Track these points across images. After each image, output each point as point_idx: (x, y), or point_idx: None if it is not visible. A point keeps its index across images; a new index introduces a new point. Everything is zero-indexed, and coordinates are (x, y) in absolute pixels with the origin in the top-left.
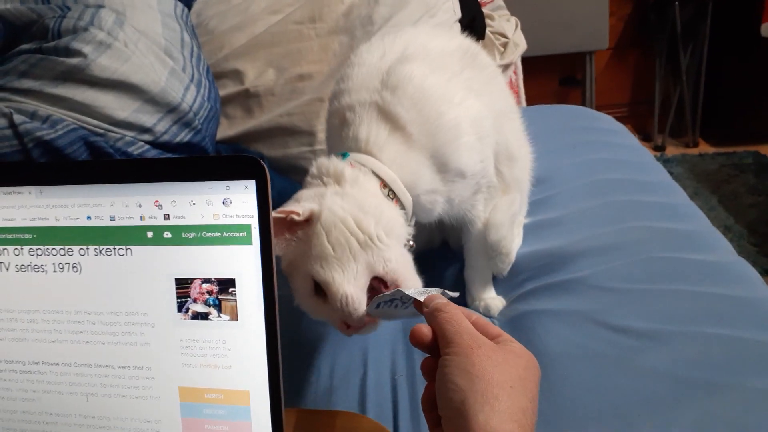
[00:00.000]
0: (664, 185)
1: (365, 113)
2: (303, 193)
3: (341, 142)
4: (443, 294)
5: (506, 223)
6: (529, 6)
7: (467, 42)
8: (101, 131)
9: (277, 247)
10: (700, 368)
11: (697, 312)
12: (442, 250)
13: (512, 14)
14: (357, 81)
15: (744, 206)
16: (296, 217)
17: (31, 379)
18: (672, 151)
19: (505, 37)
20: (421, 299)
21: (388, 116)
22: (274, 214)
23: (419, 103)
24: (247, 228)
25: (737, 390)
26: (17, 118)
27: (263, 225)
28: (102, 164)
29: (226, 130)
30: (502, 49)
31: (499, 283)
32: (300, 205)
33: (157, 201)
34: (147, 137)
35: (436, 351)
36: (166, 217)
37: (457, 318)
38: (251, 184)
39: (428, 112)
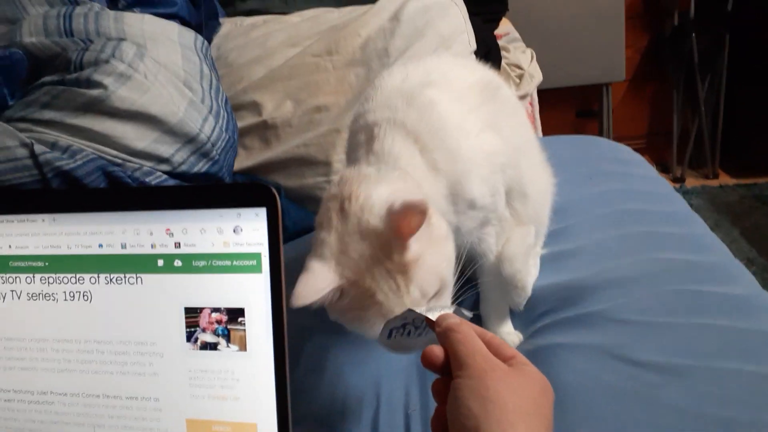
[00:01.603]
0: (683, 216)
1: (396, 131)
2: (401, 186)
3: (372, 157)
4: (457, 312)
5: (520, 256)
6: (546, 39)
7: (489, 75)
8: (119, 161)
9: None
10: (724, 405)
11: (720, 346)
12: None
13: (528, 47)
14: (380, 101)
15: (766, 238)
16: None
17: (39, 409)
18: (691, 182)
19: (520, 68)
20: (434, 318)
21: (416, 138)
22: (413, 199)
23: (440, 131)
24: (257, 256)
25: (763, 428)
26: (38, 148)
27: (273, 253)
28: (115, 192)
29: (243, 160)
30: (518, 81)
31: (515, 317)
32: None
33: (168, 229)
34: (165, 167)
35: (448, 372)
36: (177, 245)
37: (471, 338)
38: (262, 212)
39: (448, 142)
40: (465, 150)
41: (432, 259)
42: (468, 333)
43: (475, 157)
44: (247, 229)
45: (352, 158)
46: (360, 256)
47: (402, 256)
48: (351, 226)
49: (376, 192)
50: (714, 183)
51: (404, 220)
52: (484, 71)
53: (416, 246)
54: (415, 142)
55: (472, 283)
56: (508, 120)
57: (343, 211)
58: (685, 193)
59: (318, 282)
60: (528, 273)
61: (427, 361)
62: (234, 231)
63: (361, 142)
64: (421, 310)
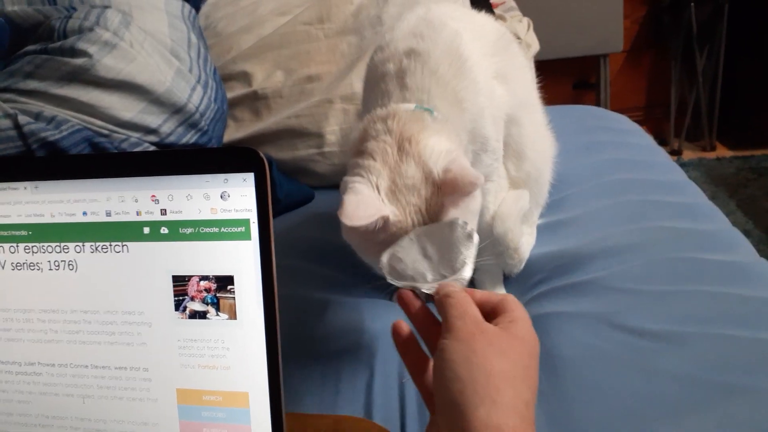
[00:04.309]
0: (681, 185)
1: (425, 64)
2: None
3: (407, 92)
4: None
5: (513, 215)
6: (542, 9)
7: (502, 28)
8: (106, 132)
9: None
10: (721, 371)
11: (717, 313)
12: None
13: (524, 16)
14: (405, 30)
15: (763, 210)
16: None
17: (27, 380)
18: (689, 155)
19: (517, 37)
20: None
21: (444, 69)
22: (471, 172)
23: (465, 62)
24: (245, 223)
25: (760, 393)
26: (22, 119)
27: (262, 219)
28: (97, 158)
29: (234, 132)
30: None
31: (511, 284)
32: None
33: (153, 195)
34: (152, 138)
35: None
36: (163, 212)
37: (463, 302)
38: (250, 177)
39: (471, 75)
40: (482, 85)
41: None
42: (462, 297)
43: (488, 96)
44: (235, 195)
45: (380, 89)
46: (407, 202)
47: (439, 215)
48: (408, 168)
49: (437, 143)
50: (711, 155)
51: (457, 184)
52: (498, 24)
53: (453, 211)
54: (444, 73)
55: None
56: (516, 74)
57: (402, 151)
58: (682, 166)
59: (370, 207)
60: (520, 234)
61: (402, 302)
62: (221, 197)
63: (391, 73)
64: (426, 287)
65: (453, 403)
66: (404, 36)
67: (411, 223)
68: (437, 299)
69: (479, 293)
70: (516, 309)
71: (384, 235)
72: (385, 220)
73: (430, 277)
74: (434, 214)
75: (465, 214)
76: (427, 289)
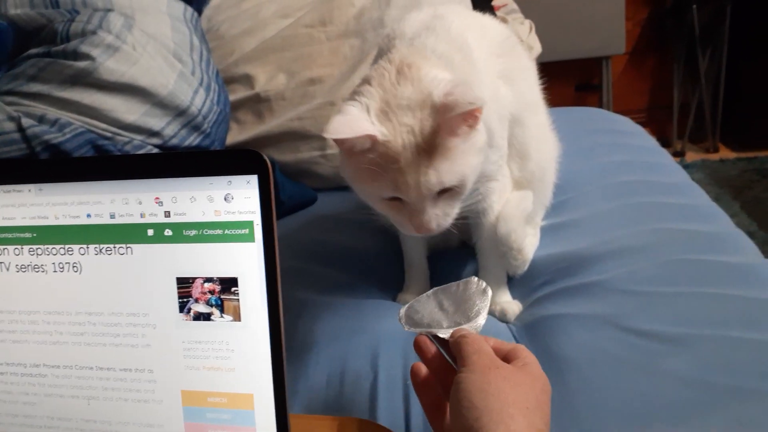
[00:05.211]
0: (684, 186)
1: (436, 36)
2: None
3: (414, 49)
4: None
5: (516, 215)
6: (544, 11)
7: (508, 31)
8: (109, 135)
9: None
10: (728, 373)
11: (724, 315)
12: (459, 251)
13: (526, 18)
14: (414, 22)
15: (767, 212)
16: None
17: (33, 382)
18: (692, 156)
19: (519, 39)
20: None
21: (454, 49)
22: (475, 95)
23: (471, 54)
24: (249, 225)
25: (766, 395)
26: (25, 121)
27: (266, 221)
28: (101, 160)
29: (236, 135)
30: None
31: (515, 286)
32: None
33: (157, 198)
34: (155, 141)
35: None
36: (167, 214)
37: (478, 341)
38: (253, 179)
39: (477, 67)
40: (486, 80)
41: (460, 158)
42: (476, 336)
43: (493, 93)
44: (239, 197)
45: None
46: (400, 122)
47: (437, 138)
48: (404, 90)
49: (439, 72)
50: (714, 157)
51: (457, 104)
52: (503, 26)
53: (454, 139)
54: (454, 52)
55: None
56: (520, 75)
57: (400, 74)
58: (686, 167)
59: (354, 124)
60: (523, 235)
61: (418, 347)
62: (225, 199)
63: (397, 46)
64: (442, 332)
65: (470, 430)
66: (414, 24)
67: (401, 142)
68: (453, 341)
69: (492, 340)
70: (528, 355)
71: (373, 154)
72: (374, 140)
73: (445, 324)
74: (428, 136)
75: (466, 144)
76: (442, 334)
